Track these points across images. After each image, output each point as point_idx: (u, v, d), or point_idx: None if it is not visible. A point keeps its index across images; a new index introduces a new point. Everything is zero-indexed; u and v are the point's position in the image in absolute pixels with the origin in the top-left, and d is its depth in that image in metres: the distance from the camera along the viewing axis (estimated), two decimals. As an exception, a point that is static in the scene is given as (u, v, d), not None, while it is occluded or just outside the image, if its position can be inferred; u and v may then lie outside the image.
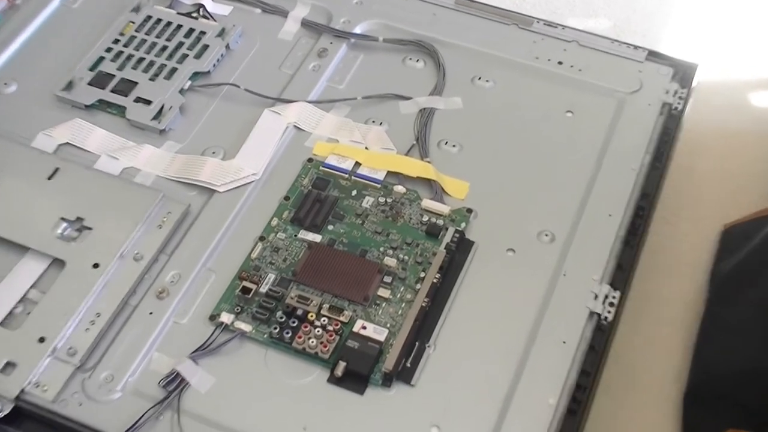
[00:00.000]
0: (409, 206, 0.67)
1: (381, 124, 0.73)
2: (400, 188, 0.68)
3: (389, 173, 0.69)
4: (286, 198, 0.68)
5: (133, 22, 0.78)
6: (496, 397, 0.57)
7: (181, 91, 0.75)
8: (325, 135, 0.72)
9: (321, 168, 0.70)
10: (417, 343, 0.59)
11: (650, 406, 0.63)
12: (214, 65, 0.77)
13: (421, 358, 0.59)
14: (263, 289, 0.62)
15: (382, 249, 0.65)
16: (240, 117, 0.74)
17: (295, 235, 0.66)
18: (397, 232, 0.66)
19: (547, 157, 0.71)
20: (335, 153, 0.70)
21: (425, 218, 0.66)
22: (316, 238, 0.66)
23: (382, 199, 0.68)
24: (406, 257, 0.64)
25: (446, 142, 0.72)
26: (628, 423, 0.63)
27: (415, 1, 0.79)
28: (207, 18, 0.78)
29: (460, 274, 0.63)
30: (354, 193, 0.69)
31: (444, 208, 0.67)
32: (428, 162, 0.70)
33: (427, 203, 0.67)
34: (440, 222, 0.66)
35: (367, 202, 0.68)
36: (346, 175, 0.69)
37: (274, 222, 0.67)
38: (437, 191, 0.68)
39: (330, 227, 0.66)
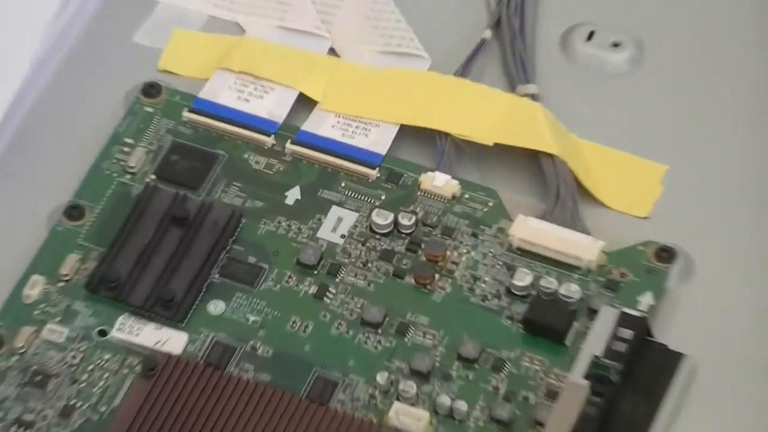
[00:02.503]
0: (468, 239, 0.66)
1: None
2: (440, 180, 0.68)
3: (404, 132, 0.69)
4: (74, 211, 0.68)
5: None
6: None
7: None
8: (203, 10, 0.76)
9: (187, 114, 0.71)
10: None
11: None
12: None
13: None
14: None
15: (382, 376, 0.62)
16: None
17: (104, 334, 0.64)
18: (432, 319, 0.64)
19: None
20: (234, 69, 0.73)
21: (524, 280, 0.65)
22: (174, 339, 0.64)
23: (380, 220, 0.67)
24: (464, 398, 0.62)
25: (591, 34, 0.74)
26: None
27: None
28: None
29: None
30: (292, 196, 0.67)
31: (586, 246, 0.65)
32: (531, 97, 0.69)
33: (527, 228, 0.65)
34: (573, 289, 0.64)
35: (338, 222, 0.65)
36: (269, 139, 0.70)
37: (34, 288, 0.66)
38: (563, 189, 0.68)
39: (215, 306, 0.65)
